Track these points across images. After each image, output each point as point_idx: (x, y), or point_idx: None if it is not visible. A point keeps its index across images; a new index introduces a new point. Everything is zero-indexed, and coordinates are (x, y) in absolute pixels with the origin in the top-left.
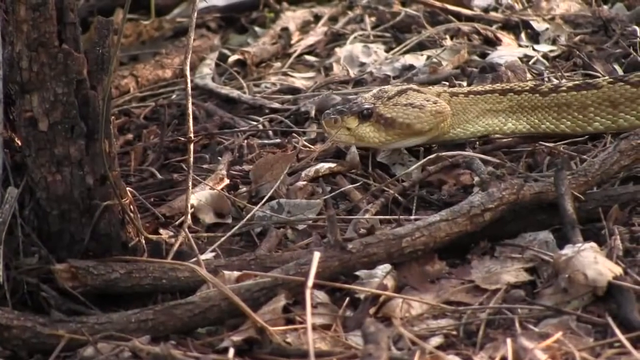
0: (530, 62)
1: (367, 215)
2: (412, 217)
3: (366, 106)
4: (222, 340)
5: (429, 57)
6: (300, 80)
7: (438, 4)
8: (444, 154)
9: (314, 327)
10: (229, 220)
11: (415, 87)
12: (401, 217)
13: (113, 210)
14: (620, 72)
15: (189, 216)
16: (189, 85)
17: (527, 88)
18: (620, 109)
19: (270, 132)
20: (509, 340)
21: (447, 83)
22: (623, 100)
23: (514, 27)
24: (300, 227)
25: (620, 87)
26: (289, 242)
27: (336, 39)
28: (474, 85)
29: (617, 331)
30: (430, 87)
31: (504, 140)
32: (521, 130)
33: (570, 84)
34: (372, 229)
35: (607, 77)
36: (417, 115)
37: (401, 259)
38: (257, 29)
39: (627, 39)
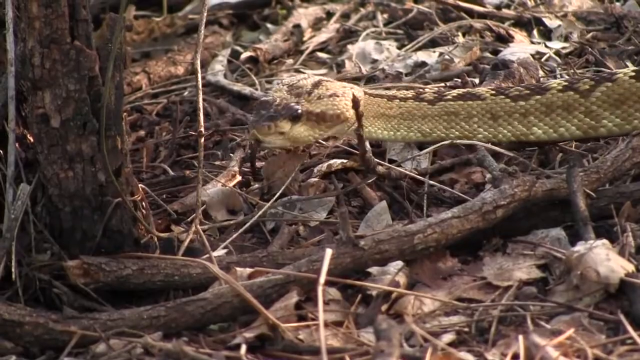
0: (542, 59)
1: None
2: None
3: (295, 107)
4: (234, 337)
5: (441, 54)
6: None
7: (451, 0)
8: (457, 141)
9: (326, 324)
10: (241, 217)
11: (325, 78)
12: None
13: (125, 207)
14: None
15: (200, 212)
16: (200, 81)
17: (410, 95)
18: (499, 122)
19: None
20: (521, 337)
21: (459, 80)
22: (502, 114)
23: (527, 24)
24: (312, 223)
25: (501, 99)
26: (301, 238)
27: (348, 35)
28: (371, 87)
29: (630, 328)
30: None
31: None
32: (411, 138)
33: (455, 92)
34: None
35: (490, 89)
36: (344, 104)
37: (413, 255)
38: (269, 25)
39: (639, 35)
